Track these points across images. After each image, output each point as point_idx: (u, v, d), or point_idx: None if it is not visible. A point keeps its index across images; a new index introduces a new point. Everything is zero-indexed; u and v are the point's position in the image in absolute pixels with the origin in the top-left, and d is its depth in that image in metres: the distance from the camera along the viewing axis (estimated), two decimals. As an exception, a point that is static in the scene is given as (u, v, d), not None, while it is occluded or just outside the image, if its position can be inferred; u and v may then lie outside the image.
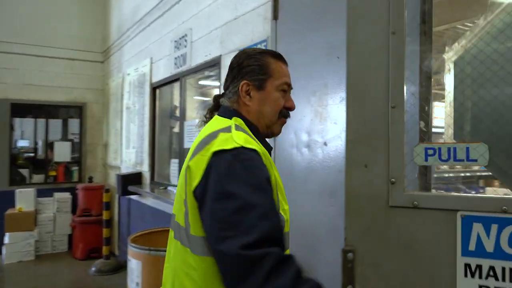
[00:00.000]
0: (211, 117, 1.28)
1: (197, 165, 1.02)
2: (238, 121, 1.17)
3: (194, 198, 1.02)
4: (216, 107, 1.29)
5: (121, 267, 5.27)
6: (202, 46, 3.52)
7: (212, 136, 1.07)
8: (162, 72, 4.44)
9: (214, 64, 3.34)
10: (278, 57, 1.29)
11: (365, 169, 1.79)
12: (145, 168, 4.77)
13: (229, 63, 1.27)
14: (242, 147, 1.01)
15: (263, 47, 2.69)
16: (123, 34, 5.69)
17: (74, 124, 6.78)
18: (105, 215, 5.30)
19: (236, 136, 1.05)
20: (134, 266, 2.55)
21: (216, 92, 4.43)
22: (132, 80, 5.30)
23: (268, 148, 1.24)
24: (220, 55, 3.22)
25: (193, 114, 4.33)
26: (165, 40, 4.32)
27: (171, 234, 1.20)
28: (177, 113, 4.36)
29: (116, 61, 6.21)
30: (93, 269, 5.27)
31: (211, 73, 3.64)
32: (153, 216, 4.45)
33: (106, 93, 6.67)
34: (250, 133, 1.15)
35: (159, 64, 4.53)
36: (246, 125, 1.18)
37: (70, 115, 6.81)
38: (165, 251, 2.50)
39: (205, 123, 1.27)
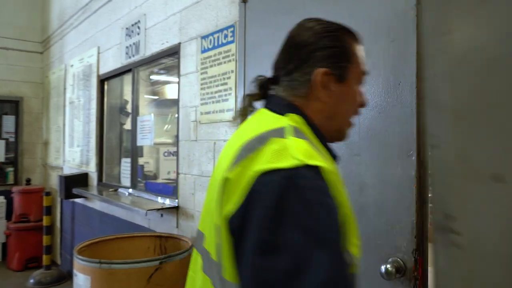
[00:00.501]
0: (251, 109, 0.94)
1: (237, 181, 0.71)
2: (295, 119, 0.83)
3: (229, 230, 0.71)
4: (262, 96, 0.95)
5: (64, 277, 4.79)
6: (158, 33, 3.20)
7: (262, 139, 0.75)
8: (111, 63, 4.04)
9: (172, 53, 3.03)
10: (355, 35, 0.95)
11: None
12: (91, 169, 4.33)
13: (288, 38, 0.94)
14: (305, 166, 0.68)
15: (230, 35, 2.43)
16: (66, 21, 5.18)
17: (9, 121, 6.11)
18: (45, 221, 4.77)
19: (294, 147, 0.72)
20: (82, 282, 2.19)
21: (171, 89, 4.11)
22: (77, 72, 4.82)
23: (335, 158, 0.89)
24: (179, 43, 2.92)
25: (144, 109, 3.98)
26: (115, 28, 3.93)
27: (198, 260, 0.88)
28: (129, 108, 3.98)
29: (57, 51, 5.66)
30: (32, 281, 4.73)
31: (169, 63, 3.32)
32: (101, 222, 4.04)
33: (46, 86, 6.07)
34: (312, 139, 0.82)
35: (107, 54, 4.12)
36: (309, 127, 0.85)
37: (4, 111, 6.13)
38: (120, 263, 2.16)
39: (245, 116, 0.93)
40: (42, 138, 6.15)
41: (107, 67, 4.10)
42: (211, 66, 2.59)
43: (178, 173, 2.87)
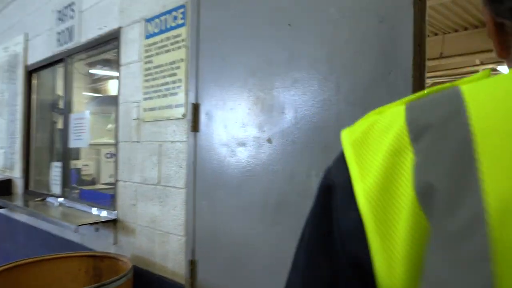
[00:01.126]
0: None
1: None
2: None
3: None
4: None
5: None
6: (96, 16, 2.74)
7: None
8: (41, 52, 3.49)
9: (111, 38, 2.59)
10: None
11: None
12: (16, 174, 3.74)
13: None
14: None
15: (180, 17, 2.06)
16: (-11, 5, 4.51)
17: None
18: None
19: None
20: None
21: (112, 85, 3.63)
22: (1, 62, 4.19)
23: None
24: (120, 28, 2.49)
25: (82, 106, 3.48)
26: (46, 11, 3.40)
27: None
28: (61, 104, 3.46)
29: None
30: None
31: (112, 56, 2.87)
32: (28, 237, 3.48)
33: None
34: None
35: (36, 41, 3.56)
36: None
37: None
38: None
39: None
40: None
41: (36, 56, 3.55)
42: (157, 54, 2.19)
43: (117, 180, 2.43)
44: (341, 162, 0.43)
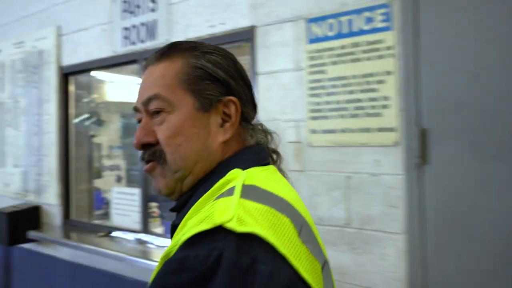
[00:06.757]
0: None
1: None
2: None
3: None
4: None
5: None
6: (199, 11, 2.22)
7: None
8: (86, 51, 2.84)
9: (232, 40, 2.10)
10: None
11: None
12: (49, 200, 3.03)
13: None
14: None
15: (381, 19, 1.66)
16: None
17: None
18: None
19: None
20: None
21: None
22: (10, 61, 3.40)
23: None
24: (253, 27, 2.01)
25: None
26: (95, 0, 2.76)
27: None
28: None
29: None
30: None
31: None
32: (73, 278, 2.82)
33: None
34: None
35: (78, 37, 2.89)
36: None
37: None
38: None
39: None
40: None
41: (79, 56, 2.88)
42: (334, 63, 1.76)
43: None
44: None
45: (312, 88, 1.82)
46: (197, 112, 0.68)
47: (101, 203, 3.54)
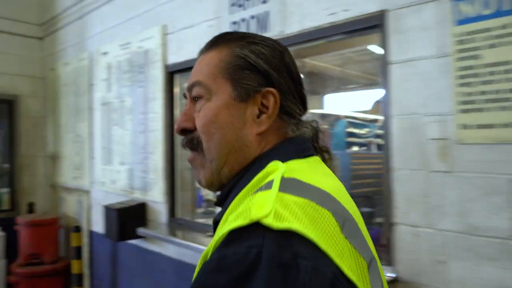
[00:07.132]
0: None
1: None
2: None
3: None
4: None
5: None
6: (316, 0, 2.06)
7: None
8: (190, 49, 2.82)
9: (358, 28, 1.91)
10: None
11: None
12: (155, 197, 3.07)
13: None
14: None
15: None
16: (90, -6, 3.84)
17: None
18: (75, 267, 3.45)
19: None
20: None
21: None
22: (116, 61, 3.52)
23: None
24: (383, 11, 1.81)
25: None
26: (201, -3, 2.73)
27: None
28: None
29: (71, 35, 4.28)
30: None
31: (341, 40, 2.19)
32: (179, 276, 2.82)
33: (51, 82, 4.65)
34: None
35: (184, 35, 2.89)
36: None
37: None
38: None
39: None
40: (46, 150, 4.73)
41: (183, 54, 2.88)
42: (491, 46, 1.50)
43: (392, 223, 1.75)
44: None
45: (462, 77, 1.57)
46: (234, 101, 0.68)
47: (201, 201, 3.56)
